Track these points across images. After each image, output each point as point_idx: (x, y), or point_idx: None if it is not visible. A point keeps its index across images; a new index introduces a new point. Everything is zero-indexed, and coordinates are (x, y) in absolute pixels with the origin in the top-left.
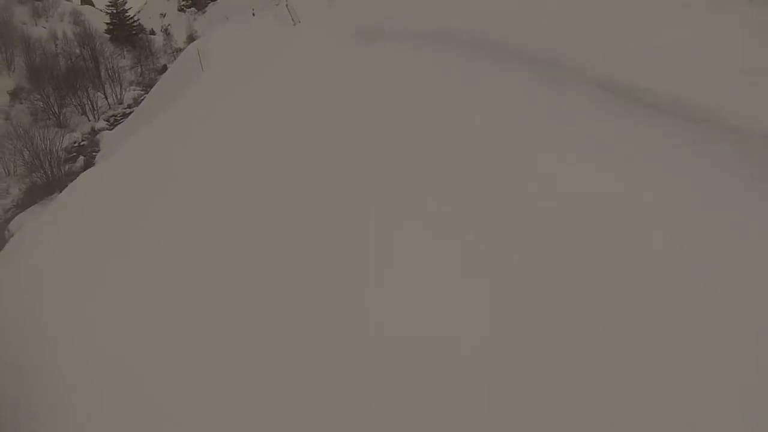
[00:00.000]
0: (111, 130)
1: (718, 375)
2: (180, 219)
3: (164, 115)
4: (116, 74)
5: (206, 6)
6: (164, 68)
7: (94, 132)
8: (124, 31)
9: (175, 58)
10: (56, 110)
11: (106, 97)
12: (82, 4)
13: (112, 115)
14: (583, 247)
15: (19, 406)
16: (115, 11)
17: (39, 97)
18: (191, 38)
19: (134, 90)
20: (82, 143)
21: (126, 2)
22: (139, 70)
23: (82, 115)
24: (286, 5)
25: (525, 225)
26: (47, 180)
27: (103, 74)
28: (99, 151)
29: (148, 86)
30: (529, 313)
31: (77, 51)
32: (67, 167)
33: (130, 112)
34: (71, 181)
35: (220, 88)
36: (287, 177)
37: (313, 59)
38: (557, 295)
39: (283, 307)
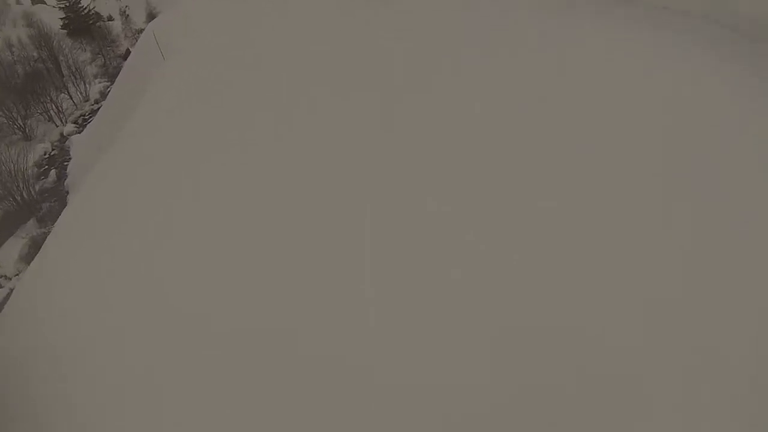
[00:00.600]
0: (80, 132)
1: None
2: (174, 228)
3: (130, 125)
4: (78, 70)
5: None
6: (127, 53)
7: (63, 138)
8: (81, 22)
9: (137, 41)
10: (21, 123)
11: (71, 97)
12: (33, 4)
13: (81, 115)
14: (583, 248)
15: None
16: (67, 4)
17: (0, 112)
18: (151, 16)
19: (99, 82)
20: (52, 153)
21: None
22: (102, 60)
23: (48, 121)
24: None
25: (524, 224)
26: (18, 206)
27: (65, 72)
28: (70, 159)
29: (113, 76)
30: (529, 314)
31: (35, 54)
32: (38, 186)
33: (98, 108)
34: (45, 201)
35: (182, 86)
36: (276, 179)
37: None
38: (558, 295)
39: (288, 313)
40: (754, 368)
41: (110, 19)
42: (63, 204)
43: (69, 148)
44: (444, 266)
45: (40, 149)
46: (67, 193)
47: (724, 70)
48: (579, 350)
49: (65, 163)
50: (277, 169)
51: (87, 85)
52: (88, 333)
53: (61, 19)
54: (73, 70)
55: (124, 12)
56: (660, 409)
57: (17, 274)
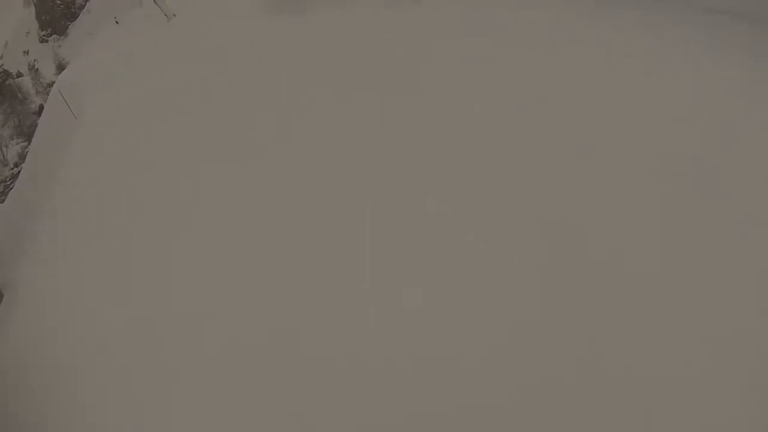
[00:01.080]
0: (3, 202)
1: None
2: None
3: (61, 187)
4: None
5: (66, 28)
6: (41, 108)
7: None
8: None
9: (48, 94)
10: None
11: None
12: None
13: (1, 182)
14: (583, 246)
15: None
16: None
17: None
18: (60, 67)
19: (17, 143)
20: None
21: None
22: (16, 119)
23: None
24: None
25: (524, 224)
26: None
27: None
28: None
29: (29, 135)
30: (529, 314)
31: None
32: None
33: (19, 172)
34: None
35: (109, 132)
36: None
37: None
38: (559, 295)
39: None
40: (755, 368)
41: (19, 75)
42: None
43: None
44: (444, 266)
45: None
46: None
47: (725, 66)
48: (579, 349)
49: None
50: (276, 170)
51: (4, 149)
52: (86, 334)
53: None
54: None
55: (33, 66)
56: (660, 407)
57: None
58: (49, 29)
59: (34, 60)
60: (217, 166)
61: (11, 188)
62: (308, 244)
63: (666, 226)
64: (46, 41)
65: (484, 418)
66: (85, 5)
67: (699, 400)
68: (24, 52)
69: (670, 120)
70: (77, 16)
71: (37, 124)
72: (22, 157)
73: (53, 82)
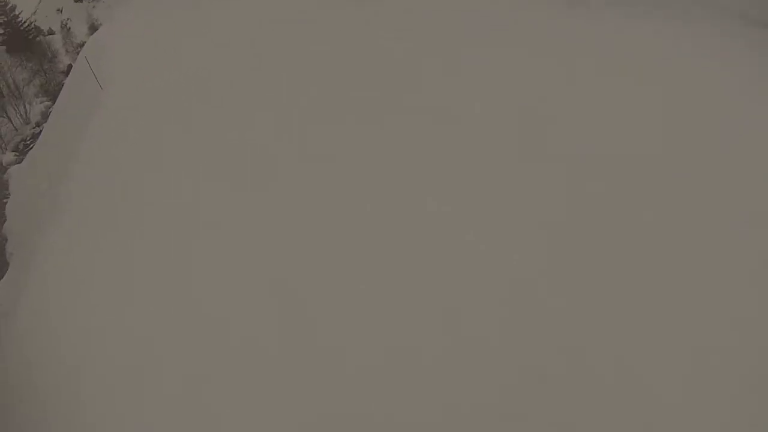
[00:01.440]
0: (20, 162)
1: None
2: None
3: (84, 149)
4: (18, 89)
5: None
6: (69, 68)
7: (2, 168)
8: (20, 37)
9: (78, 54)
10: None
11: (10, 120)
12: None
13: (21, 141)
14: (582, 247)
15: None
16: (6, 19)
17: None
18: (93, 28)
19: (41, 102)
20: None
21: (15, 7)
22: (43, 77)
23: None
24: None
25: (524, 224)
26: None
27: (4, 93)
28: (9, 197)
29: (54, 94)
30: (529, 313)
31: None
32: None
33: (40, 131)
34: None
35: (136, 101)
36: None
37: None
38: (559, 295)
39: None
40: (754, 368)
41: (51, 33)
42: (1, 254)
43: (8, 181)
44: (444, 266)
45: None
46: (6, 240)
47: (726, 66)
48: (579, 349)
49: (4, 201)
50: (277, 170)
51: (27, 106)
52: (92, 332)
53: (0, 35)
54: (13, 89)
55: (66, 25)
56: (660, 408)
57: None
58: None
59: (67, 19)
60: (217, 167)
61: (31, 148)
62: (307, 243)
63: (666, 226)
64: (81, 1)
65: (485, 417)
66: None
67: (699, 400)
68: (58, 9)
69: (670, 120)
70: None
71: (63, 84)
72: (45, 116)
73: (84, 43)
